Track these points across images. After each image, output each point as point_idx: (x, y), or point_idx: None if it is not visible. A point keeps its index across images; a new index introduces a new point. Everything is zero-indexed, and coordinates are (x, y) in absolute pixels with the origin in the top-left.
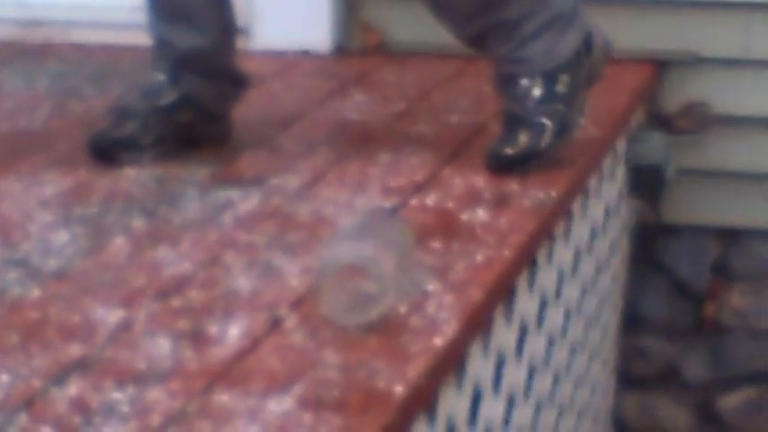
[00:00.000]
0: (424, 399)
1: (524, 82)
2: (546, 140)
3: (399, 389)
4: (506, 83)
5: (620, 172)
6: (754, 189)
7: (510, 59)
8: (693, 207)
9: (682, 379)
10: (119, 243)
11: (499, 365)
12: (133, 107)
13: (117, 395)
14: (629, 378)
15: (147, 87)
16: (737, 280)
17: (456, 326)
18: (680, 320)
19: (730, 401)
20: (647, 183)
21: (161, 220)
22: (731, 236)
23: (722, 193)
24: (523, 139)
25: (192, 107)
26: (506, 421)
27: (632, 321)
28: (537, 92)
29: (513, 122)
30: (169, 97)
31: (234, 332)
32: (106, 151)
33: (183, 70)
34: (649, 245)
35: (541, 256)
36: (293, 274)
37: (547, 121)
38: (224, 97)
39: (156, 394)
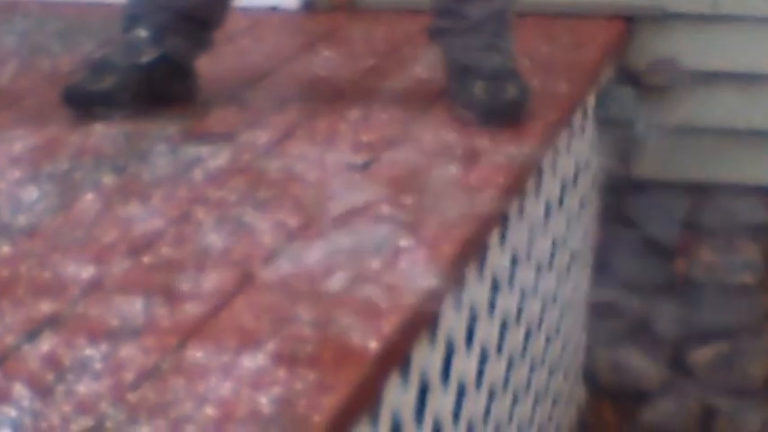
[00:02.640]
0: (397, 354)
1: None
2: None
3: (373, 345)
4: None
5: (590, 128)
6: (724, 144)
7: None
8: (664, 163)
9: (653, 334)
10: (89, 199)
11: (472, 321)
12: (112, 62)
13: (90, 352)
14: (601, 333)
15: (128, 43)
16: (708, 235)
17: (429, 281)
18: (650, 276)
19: (701, 356)
20: (617, 139)
21: (131, 176)
22: (701, 191)
23: (692, 148)
24: (512, 89)
25: (170, 65)
26: (479, 376)
27: (603, 277)
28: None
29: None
30: (150, 55)
31: (206, 288)
32: (81, 104)
33: (169, 29)
34: (620, 201)
35: (513, 211)
36: (264, 230)
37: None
38: (197, 54)
39: (129, 351)
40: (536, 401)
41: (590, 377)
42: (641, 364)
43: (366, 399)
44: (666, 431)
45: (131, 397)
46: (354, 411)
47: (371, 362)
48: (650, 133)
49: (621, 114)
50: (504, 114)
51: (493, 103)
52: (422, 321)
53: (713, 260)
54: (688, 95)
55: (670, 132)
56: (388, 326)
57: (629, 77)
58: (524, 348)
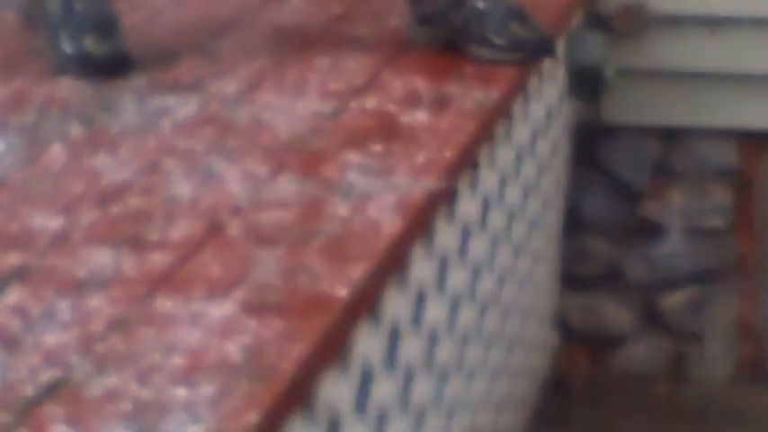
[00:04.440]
0: (367, 302)
1: None
2: None
3: (342, 292)
4: None
5: (560, 73)
6: (694, 88)
7: None
8: (634, 107)
9: (624, 279)
10: (56, 151)
11: (442, 268)
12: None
13: (58, 303)
14: (572, 279)
15: None
16: (678, 179)
17: (398, 228)
18: (621, 220)
19: (672, 301)
20: (586, 84)
21: (99, 127)
22: (671, 135)
23: (662, 93)
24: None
25: None
26: (451, 323)
27: (574, 223)
28: None
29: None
30: None
31: (174, 238)
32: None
33: None
34: (590, 146)
35: (483, 157)
36: (233, 180)
37: None
38: None
39: (96, 301)
40: (509, 348)
41: (562, 323)
42: (613, 310)
43: (335, 346)
44: (638, 376)
45: (99, 347)
46: (323, 359)
47: (340, 309)
48: (620, 78)
49: (591, 59)
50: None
51: (531, 38)
52: (391, 268)
53: (684, 204)
54: (657, 39)
55: (640, 77)
56: (357, 273)
57: (599, 22)
58: (496, 295)
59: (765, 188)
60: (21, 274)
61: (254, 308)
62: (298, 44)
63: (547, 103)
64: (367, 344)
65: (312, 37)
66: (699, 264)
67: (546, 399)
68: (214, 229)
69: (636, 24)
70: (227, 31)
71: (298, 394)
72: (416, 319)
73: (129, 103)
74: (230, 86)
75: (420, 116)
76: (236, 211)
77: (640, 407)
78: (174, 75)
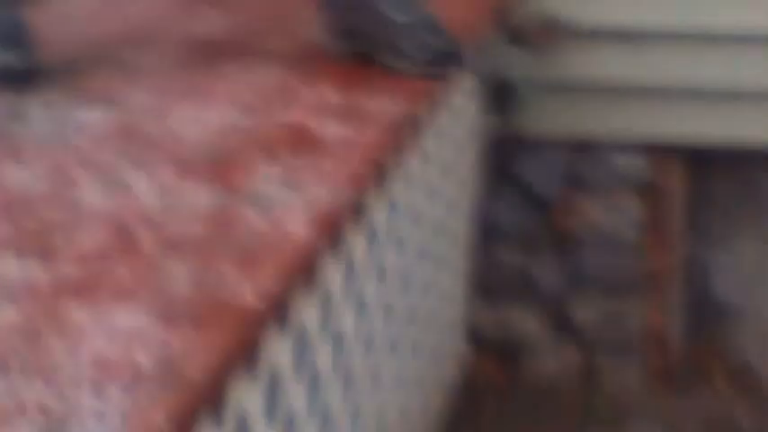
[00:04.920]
0: (276, 309)
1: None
2: None
3: (252, 299)
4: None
5: (473, 85)
6: (607, 101)
7: None
8: (547, 119)
9: (535, 289)
10: None
11: (349, 274)
12: None
13: None
14: (484, 289)
15: None
16: (591, 191)
17: (308, 236)
18: (533, 232)
19: (585, 313)
20: (500, 96)
21: (8, 138)
22: (584, 147)
23: (575, 105)
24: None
25: None
26: (357, 330)
27: (487, 234)
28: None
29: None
30: None
31: (84, 248)
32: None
33: None
34: (504, 157)
35: (391, 166)
36: (144, 190)
37: None
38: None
39: (5, 313)
40: (414, 356)
41: (474, 334)
42: (525, 321)
43: (245, 354)
44: (551, 387)
45: (10, 361)
46: (233, 366)
47: (250, 317)
48: (533, 90)
49: (505, 72)
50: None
51: (442, 49)
52: (300, 276)
53: (595, 216)
54: (571, 53)
55: (554, 90)
56: (267, 281)
57: (514, 36)
58: (400, 301)
59: (676, 200)
60: None
61: (164, 317)
62: (211, 56)
63: (457, 113)
64: (276, 350)
65: (226, 49)
66: (610, 274)
67: (457, 408)
68: (124, 239)
69: (551, 38)
70: (141, 43)
71: (207, 401)
72: (324, 324)
73: (39, 115)
74: (142, 98)
75: (331, 126)
76: (147, 220)
77: (553, 415)
78: (86, 86)
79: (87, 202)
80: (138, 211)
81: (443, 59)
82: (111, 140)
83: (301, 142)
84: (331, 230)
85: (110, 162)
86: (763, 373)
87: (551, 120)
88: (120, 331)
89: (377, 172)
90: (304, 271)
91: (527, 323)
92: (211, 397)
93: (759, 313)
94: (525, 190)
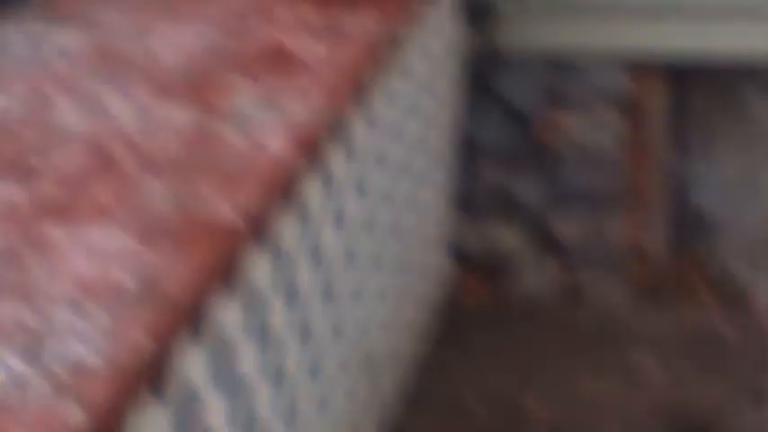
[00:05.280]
0: (255, 226)
1: None
2: None
3: (231, 218)
4: None
5: (449, 1)
6: (586, 16)
7: None
8: (526, 36)
9: (518, 207)
10: None
11: (330, 191)
12: None
13: None
14: (466, 205)
15: None
16: (571, 107)
17: (287, 153)
18: (514, 149)
19: (568, 229)
20: (478, 12)
21: None
22: (565, 65)
23: (555, 22)
24: None
25: None
26: (337, 245)
27: (468, 150)
28: None
29: None
30: None
31: (63, 168)
32: None
33: None
34: (484, 74)
35: (370, 83)
36: (122, 110)
37: None
38: None
39: None
40: (397, 271)
41: (457, 251)
42: (507, 237)
43: (225, 272)
44: (534, 303)
45: None
46: (214, 284)
47: (230, 235)
48: (511, 6)
49: None
50: None
51: None
52: (281, 193)
53: (576, 132)
54: None
55: (531, 5)
56: (248, 198)
57: None
58: (381, 217)
59: (656, 115)
60: None
61: (145, 236)
62: None
63: (436, 30)
64: (256, 267)
65: None
66: (591, 189)
67: (441, 325)
68: (103, 160)
69: None
70: None
71: (187, 318)
72: (304, 241)
73: (15, 36)
74: (117, 17)
75: (310, 45)
76: (125, 140)
77: (538, 332)
78: (61, 7)
79: (65, 122)
80: (116, 132)
81: None
82: (89, 62)
83: (279, 61)
84: (310, 148)
85: (86, 82)
86: (745, 284)
87: (531, 36)
88: (100, 251)
89: (355, 89)
90: (283, 188)
91: (510, 239)
92: (191, 315)
93: (741, 225)
94: (506, 106)
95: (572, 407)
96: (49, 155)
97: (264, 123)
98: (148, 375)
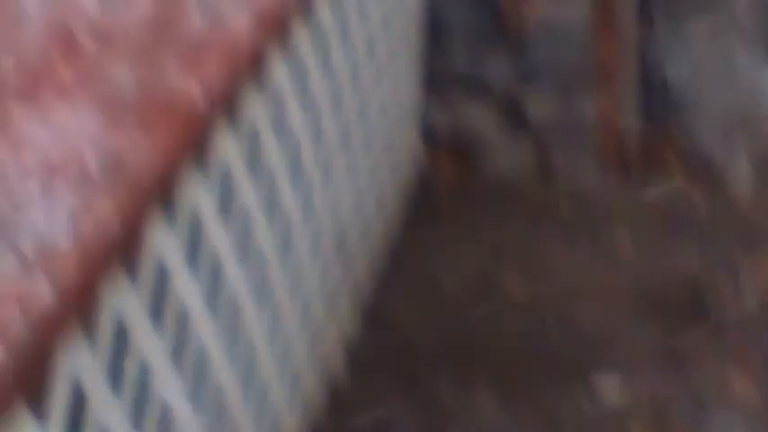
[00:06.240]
0: (224, 105)
1: None
2: None
3: (198, 96)
4: None
5: None
6: None
7: None
8: None
9: (488, 87)
10: None
11: (295, 69)
12: None
13: None
14: (436, 88)
15: None
16: None
17: (253, 32)
18: (483, 28)
19: (536, 108)
20: None
21: None
22: None
23: None
24: None
25: None
26: (305, 124)
27: (435, 30)
28: None
29: None
30: None
31: (26, 50)
32: None
33: None
34: None
35: None
36: None
37: None
38: None
39: None
40: (366, 150)
41: (427, 132)
42: (478, 118)
43: (194, 150)
44: (506, 181)
45: None
46: (183, 163)
47: (197, 113)
48: None
49: None
50: None
51: None
52: (248, 71)
53: (544, 10)
54: None
55: None
56: (214, 76)
57: None
58: (348, 96)
59: None
60: None
61: (109, 115)
62: None
63: None
64: (227, 147)
65: None
66: (560, 67)
67: (413, 204)
68: (66, 40)
69: None
70: None
71: (157, 197)
72: (277, 122)
73: None
74: None
75: None
76: (90, 23)
77: (510, 209)
78: None
79: (27, 4)
80: (82, 14)
81: None
82: None
83: None
84: (277, 26)
85: None
86: (717, 159)
87: None
88: (66, 132)
89: None
90: (251, 66)
91: (479, 118)
92: (159, 193)
93: (712, 102)
94: None
95: (546, 282)
96: (13, 38)
97: (230, 3)
98: (118, 253)
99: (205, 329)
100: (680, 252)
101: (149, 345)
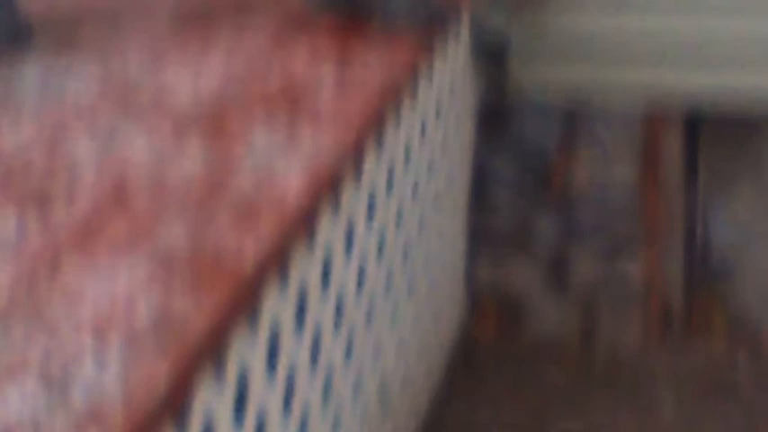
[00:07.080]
0: (274, 263)
1: None
2: None
3: (250, 253)
4: None
5: (464, 47)
6: (599, 63)
7: None
8: (539, 85)
9: (534, 251)
10: None
11: (350, 229)
12: None
13: None
14: (485, 242)
15: None
16: (586, 149)
17: (305, 191)
18: (530, 194)
19: (581, 272)
20: (494, 51)
21: (2, 94)
22: (581, 108)
23: (566, 71)
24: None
25: None
26: (359, 284)
27: (486, 195)
28: None
29: None
30: None
31: (80, 202)
32: None
33: None
34: (499, 117)
35: (389, 123)
36: (138, 142)
37: None
38: None
39: (1, 266)
40: (416, 313)
41: (472, 287)
42: (522, 276)
43: (245, 306)
44: (550, 346)
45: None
46: (233, 319)
47: (248, 270)
48: (523, 54)
49: (494, 36)
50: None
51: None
52: (299, 230)
53: (593, 174)
54: (558, 14)
55: (545, 51)
56: (266, 235)
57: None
58: (404, 255)
59: (671, 158)
60: None
61: (162, 270)
62: (200, 16)
63: (450, 74)
64: (276, 304)
65: (215, 8)
66: (606, 228)
67: (457, 356)
68: (120, 193)
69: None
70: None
71: (208, 353)
72: (325, 279)
73: (31, 71)
74: (134, 54)
75: (325, 86)
76: (144, 173)
77: (552, 370)
78: (78, 43)
79: (83, 156)
80: (134, 164)
81: (426, 19)
82: (105, 95)
83: (296, 100)
84: (329, 185)
85: (104, 117)
86: (762, 326)
87: (544, 84)
88: (119, 286)
89: (374, 126)
90: (302, 225)
91: (525, 277)
92: (211, 352)
93: (756, 262)
94: (522, 147)
95: None
96: (67, 189)
97: (282, 161)
98: (167, 411)
99: None
100: (722, 418)
101: None
